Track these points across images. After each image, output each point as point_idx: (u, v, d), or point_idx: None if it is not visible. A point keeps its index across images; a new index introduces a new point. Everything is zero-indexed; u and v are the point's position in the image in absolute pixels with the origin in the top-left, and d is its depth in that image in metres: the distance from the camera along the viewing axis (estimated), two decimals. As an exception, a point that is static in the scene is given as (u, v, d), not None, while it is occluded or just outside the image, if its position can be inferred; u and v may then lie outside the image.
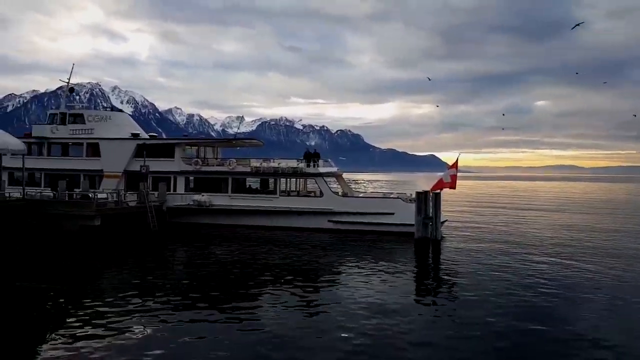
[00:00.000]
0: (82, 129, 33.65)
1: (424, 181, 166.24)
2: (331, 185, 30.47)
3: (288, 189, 31.63)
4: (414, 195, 28.31)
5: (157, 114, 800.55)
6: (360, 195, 32.28)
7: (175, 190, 30.94)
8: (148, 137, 34.92)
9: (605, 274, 17.99)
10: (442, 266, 19.72)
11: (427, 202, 22.33)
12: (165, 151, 31.66)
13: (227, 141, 36.25)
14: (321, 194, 29.11)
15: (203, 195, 29.76)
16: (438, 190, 23.34)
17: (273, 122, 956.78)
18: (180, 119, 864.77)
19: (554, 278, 17.10)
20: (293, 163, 30.31)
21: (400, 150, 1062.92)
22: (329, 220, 28.40)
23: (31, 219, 22.90)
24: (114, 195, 26.67)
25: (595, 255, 21.68)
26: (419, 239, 22.27)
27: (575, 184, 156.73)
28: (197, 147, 34.25)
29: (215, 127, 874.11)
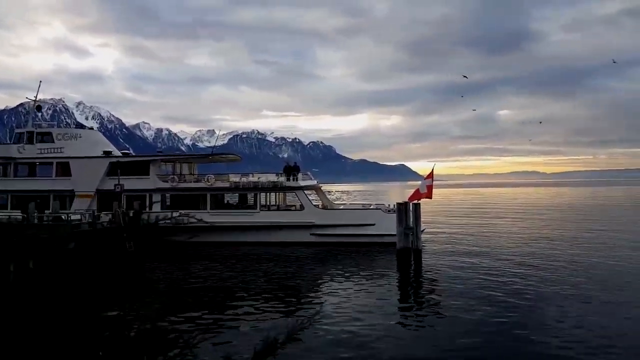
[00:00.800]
0: (50, 148, 32.49)
1: (395, 191, 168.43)
2: (311, 198, 30.41)
3: (268, 204, 31.38)
4: (392, 206, 28.70)
5: (124, 129, 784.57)
6: (341, 207, 32.37)
7: (151, 208, 30.16)
8: (121, 154, 34.07)
9: (577, 278, 18.56)
10: (425, 275, 20.05)
11: (407, 213, 22.66)
12: (139, 168, 30.91)
13: (204, 157, 35.75)
14: (302, 208, 29.00)
15: (180, 213, 29.09)
16: (416, 201, 23.69)
17: (245, 135, 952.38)
18: (149, 134, 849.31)
19: (532, 285, 17.54)
20: (272, 177, 30.13)
21: (371, 160, 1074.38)
22: (310, 234, 28.29)
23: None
24: (87, 216, 25.75)
25: (565, 259, 22.45)
26: (400, 249, 22.53)
27: (539, 189, 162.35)
28: (172, 164, 33.62)
29: (185, 142, 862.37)
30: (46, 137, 33.09)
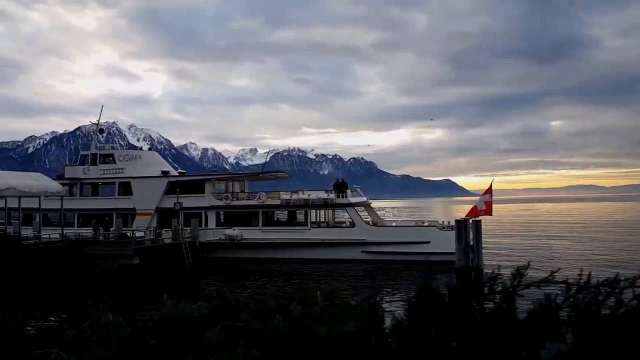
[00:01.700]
0: (113, 169, 34.34)
1: (441, 206, 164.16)
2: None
3: (318, 220, 31.53)
4: (448, 223, 28.06)
5: (172, 150, 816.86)
6: (393, 224, 32.03)
7: (206, 225, 31.07)
8: (177, 174, 35.49)
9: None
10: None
11: (467, 230, 21.98)
12: (196, 187, 32.03)
13: (255, 175, 36.63)
14: (353, 225, 28.93)
15: (234, 230, 29.80)
16: (474, 218, 22.96)
17: (286, 153, 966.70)
18: (195, 154, 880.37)
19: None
20: (322, 194, 30.32)
21: (414, 176, 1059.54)
22: (362, 251, 28.09)
23: (71, 260, 23.19)
24: (150, 233, 26.93)
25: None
26: (460, 268, 21.77)
27: (599, 204, 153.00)
28: (225, 182, 34.62)
29: (229, 160, 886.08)
30: (108, 159, 35.05)
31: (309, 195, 30.06)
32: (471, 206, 24.51)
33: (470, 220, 22.27)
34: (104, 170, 34.47)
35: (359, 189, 32.17)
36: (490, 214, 23.73)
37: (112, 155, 35.22)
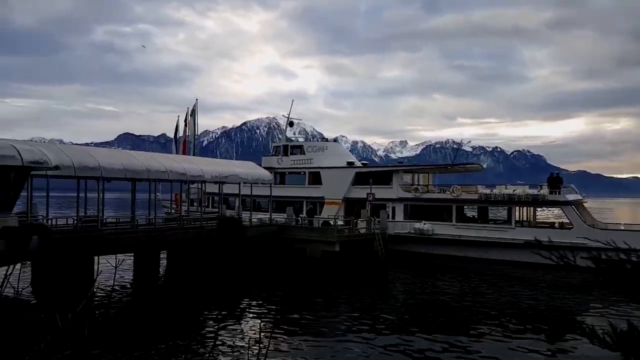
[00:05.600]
0: (302, 159, 35.98)
1: (627, 208, 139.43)
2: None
3: (521, 219, 28.28)
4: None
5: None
6: (621, 227, 27.07)
7: (393, 217, 30.39)
8: (361, 165, 35.63)
9: None
10: None
11: None
12: (383, 178, 31.57)
13: (443, 167, 34.83)
14: (568, 226, 25.09)
15: (425, 224, 28.46)
16: None
17: (439, 145, 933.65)
18: (346, 147, 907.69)
19: None
20: (527, 189, 27.11)
21: (593, 172, 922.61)
22: (582, 257, 24.00)
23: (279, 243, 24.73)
24: (347, 222, 27.41)
25: None
26: None
27: None
28: (411, 174, 33.52)
29: (377, 153, 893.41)
30: (296, 150, 36.85)
31: (514, 191, 27.01)
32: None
33: None
34: (294, 160, 36.36)
35: (572, 185, 27.88)
36: None
37: (301, 146, 36.97)
